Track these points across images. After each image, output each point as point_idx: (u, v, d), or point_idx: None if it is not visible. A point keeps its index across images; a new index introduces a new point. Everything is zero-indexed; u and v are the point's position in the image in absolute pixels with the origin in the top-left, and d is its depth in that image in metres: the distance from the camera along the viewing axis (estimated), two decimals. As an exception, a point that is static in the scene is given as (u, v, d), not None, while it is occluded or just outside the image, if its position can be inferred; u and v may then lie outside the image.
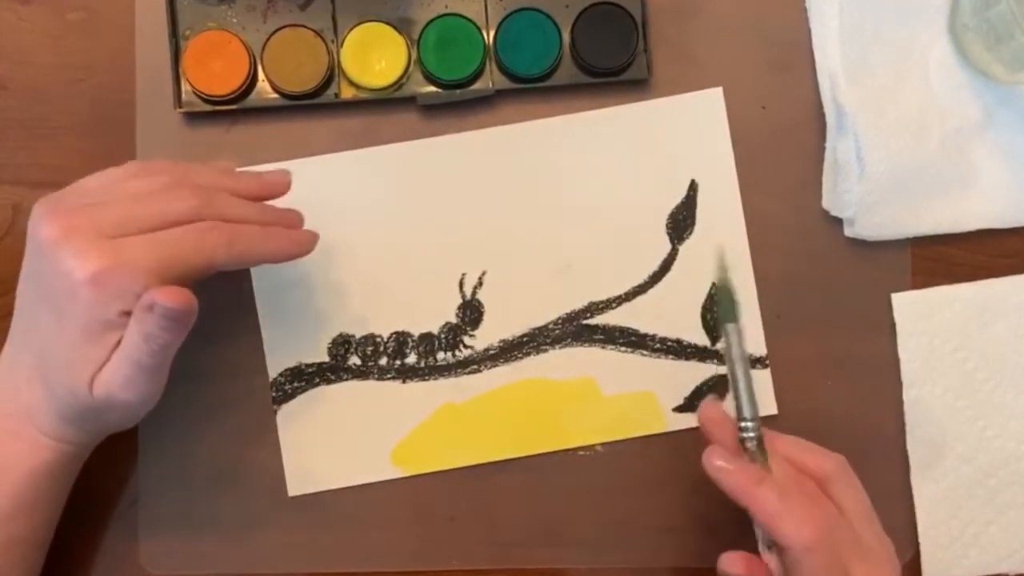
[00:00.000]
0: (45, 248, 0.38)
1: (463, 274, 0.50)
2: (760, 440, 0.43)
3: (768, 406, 0.50)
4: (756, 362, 0.50)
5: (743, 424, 0.43)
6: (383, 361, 0.50)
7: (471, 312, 0.50)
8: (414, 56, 0.50)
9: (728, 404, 0.44)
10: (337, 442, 0.50)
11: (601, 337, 0.50)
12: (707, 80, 0.51)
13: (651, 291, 0.50)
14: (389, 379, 0.50)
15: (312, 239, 0.43)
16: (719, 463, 0.42)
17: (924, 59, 0.50)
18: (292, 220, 0.44)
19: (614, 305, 0.50)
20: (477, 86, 0.50)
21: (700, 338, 0.50)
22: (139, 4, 0.50)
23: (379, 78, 0.49)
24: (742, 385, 0.43)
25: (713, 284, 0.43)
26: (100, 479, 0.49)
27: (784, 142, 0.51)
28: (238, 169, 0.45)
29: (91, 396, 0.40)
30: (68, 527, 0.48)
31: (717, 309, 0.42)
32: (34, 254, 0.40)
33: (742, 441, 0.43)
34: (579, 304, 0.50)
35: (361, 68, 0.49)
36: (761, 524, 0.41)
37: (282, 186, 0.44)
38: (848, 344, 0.50)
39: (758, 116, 0.51)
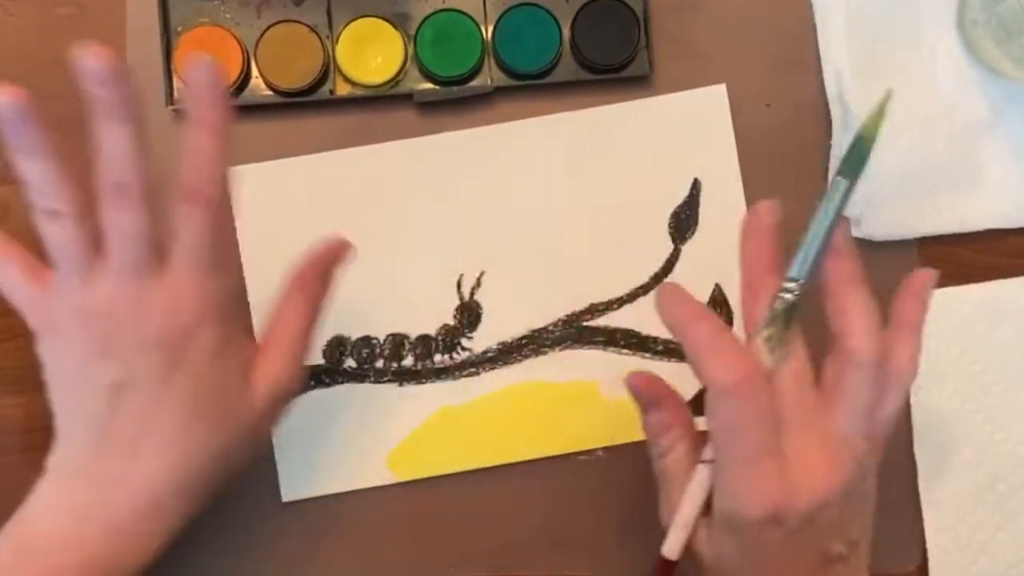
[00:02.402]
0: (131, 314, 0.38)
1: (461, 275, 0.50)
2: (793, 307, 0.37)
3: (772, 409, 0.49)
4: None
5: (786, 284, 0.37)
6: (379, 363, 0.49)
7: (469, 314, 0.50)
8: (411, 52, 0.49)
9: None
10: (332, 446, 0.49)
11: (602, 339, 0.50)
12: (710, 77, 0.50)
13: (653, 292, 0.50)
14: (385, 382, 0.49)
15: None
16: (671, 291, 0.38)
17: (931, 55, 0.50)
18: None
19: (615, 306, 0.50)
20: (475, 83, 0.50)
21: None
22: (130, -1, 0.49)
23: (375, 75, 0.49)
24: (815, 244, 0.37)
25: (858, 136, 0.38)
26: None
27: (789, 140, 0.50)
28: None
29: (255, 401, 0.40)
30: None
31: (846, 155, 0.37)
32: (93, 336, 0.38)
33: (773, 298, 0.37)
34: (579, 305, 0.50)
35: (357, 64, 0.49)
36: (688, 359, 0.37)
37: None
38: (854, 346, 0.50)
39: (762, 114, 0.50)
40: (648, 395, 0.41)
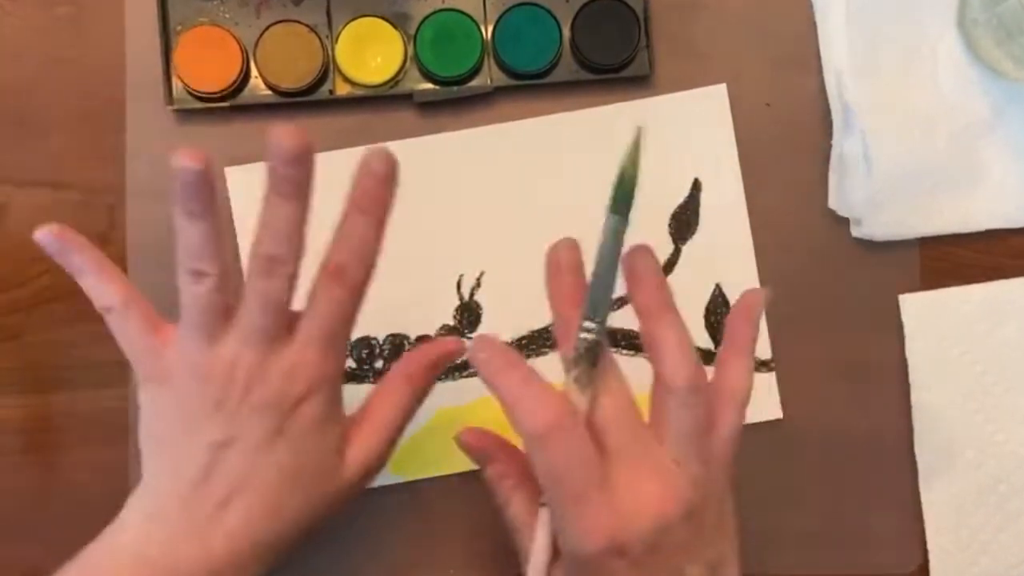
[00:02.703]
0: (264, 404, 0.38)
1: (461, 275, 0.50)
2: (596, 346, 0.37)
3: (773, 410, 0.49)
4: (761, 365, 0.49)
5: (586, 324, 0.37)
6: (379, 364, 0.49)
7: (469, 314, 0.50)
8: (410, 52, 0.49)
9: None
10: (332, 447, 0.49)
11: (602, 339, 0.49)
12: (710, 77, 0.50)
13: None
14: (385, 383, 0.49)
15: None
16: (482, 341, 0.38)
17: (932, 55, 0.50)
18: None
19: (615, 307, 0.49)
20: (475, 83, 0.49)
21: (703, 341, 0.50)
22: (129, -2, 0.49)
23: (375, 75, 0.49)
24: (601, 284, 0.37)
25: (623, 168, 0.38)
26: (88, 491, 0.48)
27: (789, 140, 0.50)
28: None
29: (345, 475, 0.40)
30: (54, 536, 0.46)
31: (613, 193, 0.38)
32: (206, 395, 0.38)
33: (574, 339, 0.37)
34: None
35: (356, 64, 0.49)
36: (507, 415, 0.36)
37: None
38: (854, 347, 0.50)
39: (763, 114, 0.50)
40: (479, 449, 0.42)
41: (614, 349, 0.49)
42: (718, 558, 0.38)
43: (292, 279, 0.38)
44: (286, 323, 0.39)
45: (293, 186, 0.37)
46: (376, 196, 0.39)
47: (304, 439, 0.39)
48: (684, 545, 0.37)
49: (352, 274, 0.39)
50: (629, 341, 0.49)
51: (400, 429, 0.43)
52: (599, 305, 0.37)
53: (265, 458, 0.38)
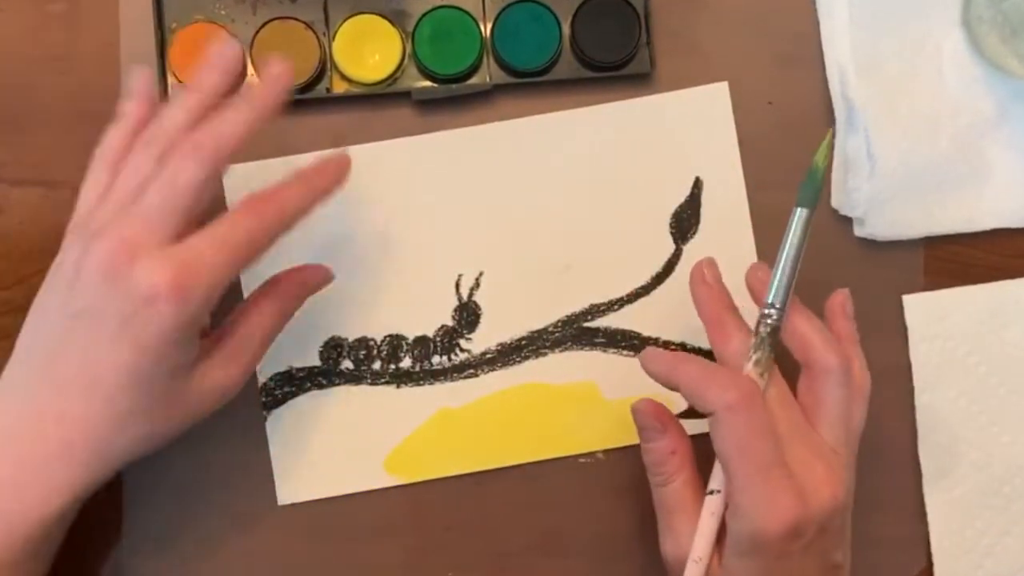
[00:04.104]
0: (104, 274, 0.37)
1: (459, 275, 0.49)
2: (775, 331, 0.40)
3: (775, 412, 0.49)
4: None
5: (767, 311, 0.40)
6: (376, 365, 0.49)
7: (467, 314, 0.49)
8: (408, 49, 0.49)
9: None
10: (329, 449, 0.48)
11: (602, 340, 0.49)
12: (712, 74, 0.50)
13: (654, 293, 0.49)
14: (383, 384, 0.49)
15: (345, 160, 0.43)
16: (650, 351, 0.41)
17: (937, 52, 0.49)
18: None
19: (616, 307, 0.49)
20: (474, 80, 0.49)
21: (705, 342, 0.49)
22: (123, -5, 0.49)
23: (372, 72, 0.48)
24: (785, 272, 0.40)
25: (813, 164, 0.41)
26: None
27: (792, 138, 0.50)
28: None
29: (191, 398, 0.40)
30: None
31: (803, 188, 0.41)
32: (75, 286, 0.38)
33: (757, 324, 0.40)
34: (579, 306, 0.49)
35: (353, 62, 0.48)
36: (688, 397, 0.39)
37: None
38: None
39: (765, 111, 0.50)
40: (654, 421, 0.42)
41: (614, 349, 0.49)
42: (848, 545, 0.40)
43: (209, 179, 0.39)
44: (179, 222, 0.38)
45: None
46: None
47: (150, 346, 0.38)
48: (839, 530, 0.39)
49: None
50: (629, 342, 0.49)
51: (261, 351, 0.43)
52: (782, 292, 0.41)
53: (110, 354, 0.38)
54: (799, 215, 0.41)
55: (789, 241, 0.41)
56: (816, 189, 0.41)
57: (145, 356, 0.38)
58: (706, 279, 0.42)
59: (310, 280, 0.45)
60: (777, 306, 0.40)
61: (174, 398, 0.40)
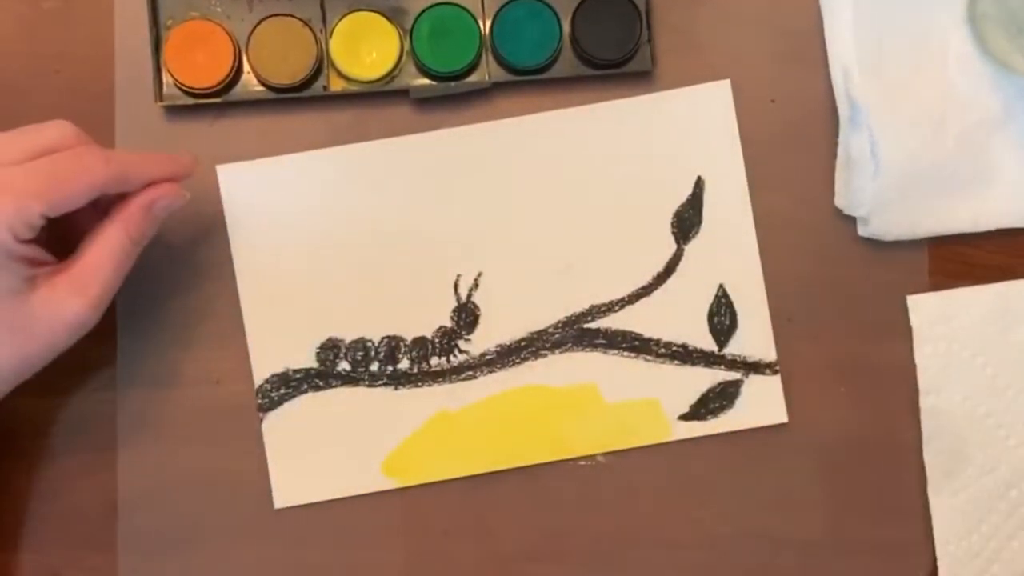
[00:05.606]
0: None
1: (458, 275, 0.49)
2: None
3: (778, 414, 0.49)
4: (765, 367, 0.49)
5: None
6: (374, 367, 0.48)
7: (466, 315, 0.49)
8: (407, 47, 0.48)
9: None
10: (326, 452, 0.48)
11: (603, 341, 0.49)
12: (714, 72, 0.49)
13: (655, 293, 0.49)
14: (380, 386, 0.48)
15: (192, 161, 0.44)
16: None
17: (942, 49, 0.49)
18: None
19: (616, 308, 0.49)
20: (473, 78, 0.49)
21: (707, 343, 0.49)
22: (118, -8, 0.49)
23: (370, 70, 0.48)
24: None
25: None
26: (75, 491, 0.48)
27: (795, 137, 0.49)
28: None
29: (46, 322, 0.40)
30: (44, 541, 0.47)
31: None
32: None
33: None
34: (579, 307, 0.49)
35: (351, 59, 0.48)
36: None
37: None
38: (862, 349, 0.49)
39: (767, 110, 0.50)
40: None
41: (615, 351, 0.49)
42: None
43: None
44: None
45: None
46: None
47: None
48: None
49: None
50: (630, 343, 0.49)
51: (114, 281, 0.42)
52: None
53: None
54: None
55: None
56: None
57: None
58: None
59: (158, 202, 0.43)
60: None
61: (16, 324, 0.39)
